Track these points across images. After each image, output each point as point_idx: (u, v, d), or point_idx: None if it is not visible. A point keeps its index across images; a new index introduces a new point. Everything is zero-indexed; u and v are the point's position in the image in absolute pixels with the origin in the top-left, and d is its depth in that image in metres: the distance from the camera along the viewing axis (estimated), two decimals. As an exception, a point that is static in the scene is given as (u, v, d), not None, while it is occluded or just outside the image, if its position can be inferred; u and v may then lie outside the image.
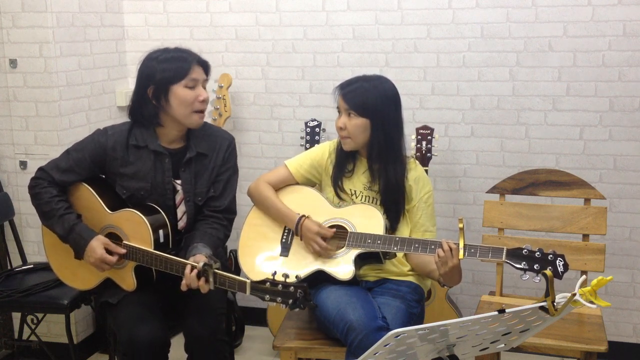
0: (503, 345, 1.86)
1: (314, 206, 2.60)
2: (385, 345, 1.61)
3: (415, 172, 2.59)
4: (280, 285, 2.08)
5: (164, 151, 2.52)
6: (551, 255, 2.20)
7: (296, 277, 2.10)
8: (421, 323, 2.45)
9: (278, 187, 2.68)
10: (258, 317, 3.63)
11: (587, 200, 2.81)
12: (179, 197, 2.56)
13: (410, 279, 2.56)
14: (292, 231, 2.57)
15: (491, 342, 1.80)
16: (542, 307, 1.64)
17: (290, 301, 2.07)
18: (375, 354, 1.64)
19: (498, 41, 3.29)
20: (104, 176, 2.59)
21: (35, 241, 3.41)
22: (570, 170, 2.98)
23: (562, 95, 3.26)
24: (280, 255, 2.57)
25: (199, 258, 2.32)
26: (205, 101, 2.49)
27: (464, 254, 2.27)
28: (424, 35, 3.37)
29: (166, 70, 2.43)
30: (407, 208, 2.57)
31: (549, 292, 1.63)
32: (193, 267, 2.26)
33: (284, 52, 3.58)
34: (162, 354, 2.43)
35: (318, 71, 3.54)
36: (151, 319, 2.40)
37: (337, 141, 2.65)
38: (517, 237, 2.88)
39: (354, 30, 3.46)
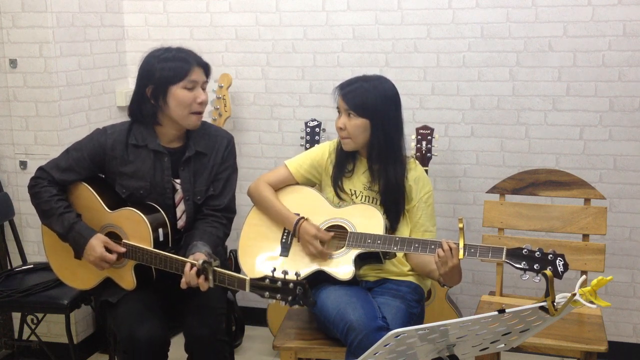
0: (503, 345, 1.86)
1: (313, 206, 2.59)
2: (385, 345, 1.61)
3: (415, 172, 2.59)
4: (279, 282, 2.08)
5: (163, 150, 2.52)
6: (551, 255, 2.20)
7: (296, 273, 2.09)
8: (421, 323, 2.45)
9: (278, 187, 2.68)
10: (258, 317, 3.63)
11: (587, 200, 2.81)
12: (178, 196, 2.56)
13: (410, 279, 2.56)
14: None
15: (491, 342, 1.80)
16: (542, 307, 1.64)
17: (290, 298, 2.06)
18: (375, 354, 1.64)
19: (498, 41, 3.29)
20: (103, 175, 2.59)
21: (35, 241, 3.41)
22: (570, 170, 2.98)
23: (562, 95, 3.26)
24: (280, 255, 2.57)
25: (199, 256, 2.32)
26: (203, 103, 2.48)
27: (464, 254, 2.27)
28: (424, 35, 3.37)
29: (166, 70, 2.43)
30: (407, 208, 2.57)
31: (549, 292, 1.63)
32: (192, 265, 2.27)
33: (284, 52, 3.57)
34: (161, 352, 2.43)
35: (318, 71, 3.54)
36: (151, 317, 2.40)
37: (337, 141, 2.64)
38: (517, 237, 2.88)
39: (354, 30, 3.46)
